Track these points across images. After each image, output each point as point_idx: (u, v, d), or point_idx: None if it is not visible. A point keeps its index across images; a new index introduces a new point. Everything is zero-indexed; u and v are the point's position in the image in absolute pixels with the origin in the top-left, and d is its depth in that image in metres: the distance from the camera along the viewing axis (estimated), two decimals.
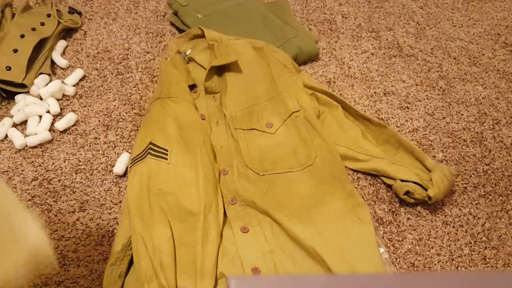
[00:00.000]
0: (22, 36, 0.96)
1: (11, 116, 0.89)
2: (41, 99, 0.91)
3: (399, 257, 0.74)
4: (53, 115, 0.89)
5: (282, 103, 0.84)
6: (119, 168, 0.81)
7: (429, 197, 0.77)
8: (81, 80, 0.97)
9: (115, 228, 0.75)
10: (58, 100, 0.93)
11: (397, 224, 0.78)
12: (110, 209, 0.77)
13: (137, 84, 0.97)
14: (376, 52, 1.10)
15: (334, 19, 1.18)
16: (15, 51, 0.93)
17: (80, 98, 0.94)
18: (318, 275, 0.28)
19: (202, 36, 0.98)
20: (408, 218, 0.79)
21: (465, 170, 0.87)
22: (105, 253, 0.72)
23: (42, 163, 0.83)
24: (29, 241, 0.49)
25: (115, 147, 0.86)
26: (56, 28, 1.02)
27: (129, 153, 0.84)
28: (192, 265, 0.64)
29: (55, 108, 0.89)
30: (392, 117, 0.95)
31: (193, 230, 0.67)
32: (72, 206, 0.77)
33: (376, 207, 0.80)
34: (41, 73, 0.95)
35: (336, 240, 0.68)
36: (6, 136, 0.86)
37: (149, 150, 0.74)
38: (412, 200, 0.79)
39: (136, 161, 0.75)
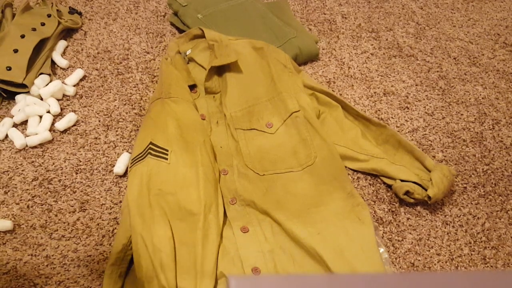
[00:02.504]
0: (23, 36, 0.96)
1: (12, 116, 0.89)
2: (41, 99, 0.91)
3: (399, 257, 0.74)
4: (53, 115, 0.89)
5: (282, 103, 0.84)
6: (119, 168, 0.81)
7: (429, 197, 0.77)
8: (81, 80, 0.98)
9: (115, 228, 0.75)
10: (58, 100, 0.93)
11: (397, 224, 0.78)
12: (111, 209, 0.77)
13: (137, 84, 0.98)
14: (376, 52, 1.10)
15: (334, 19, 1.18)
16: (16, 51, 0.93)
17: (80, 98, 0.94)
18: (318, 275, 0.28)
19: (202, 36, 0.98)
20: (408, 218, 0.79)
21: (465, 170, 0.88)
22: (106, 253, 0.72)
23: (43, 163, 0.83)
24: None
25: (115, 147, 0.86)
26: (56, 28, 1.02)
27: (129, 153, 0.85)
28: (192, 265, 0.64)
29: (55, 108, 0.89)
30: (392, 117, 0.95)
31: (193, 230, 0.67)
32: (72, 206, 0.78)
33: (376, 207, 0.80)
34: (41, 73, 0.95)
35: (336, 240, 0.68)
36: (7, 136, 0.86)
37: (149, 150, 0.75)
38: (411, 200, 0.79)
39: (136, 161, 0.75)
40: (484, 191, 0.84)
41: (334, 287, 0.27)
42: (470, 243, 0.77)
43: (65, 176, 0.81)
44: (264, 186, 0.75)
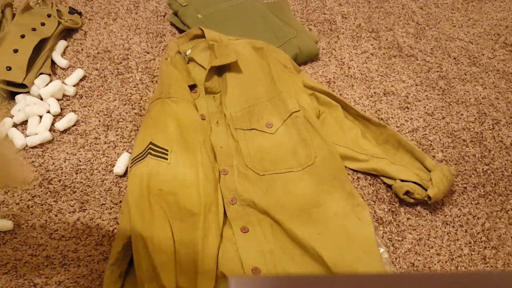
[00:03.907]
0: (22, 36, 0.96)
1: (12, 116, 0.89)
2: (41, 99, 0.91)
3: (399, 257, 0.74)
4: (53, 115, 0.89)
5: (282, 103, 0.84)
6: (119, 168, 0.81)
7: (429, 197, 0.77)
8: (81, 80, 0.98)
9: (115, 228, 0.75)
10: (58, 100, 0.93)
11: (397, 224, 0.78)
12: (111, 209, 0.77)
13: (137, 84, 0.98)
14: (376, 52, 1.10)
15: (334, 19, 1.18)
16: (15, 51, 0.93)
17: (80, 98, 0.94)
18: (318, 275, 0.28)
19: (202, 36, 0.98)
20: (408, 218, 0.79)
21: (465, 170, 0.88)
22: (106, 253, 0.72)
23: (43, 163, 0.83)
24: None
25: (115, 147, 0.86)
26: (56, 28, 1.02)
27: (129, 153, 0.85)
28: (192, 265, 0.64)
29: (55, 108, 0.89)
30: (392, 117, 0.95)
31: (193, 230, 0.67)
32: (72, 206, 0.78)
33: (376, 207, 0.80)
34: (41, 73, 0.95)
35: (336, 240, 0.68)
36: (7, 136, 0.86)
37: (149, 150, 0.75)
38: (411, 200, 0.79)
39: (136, 161, 0.75)
40: (484, 191, 0.85)
41: (334, 287, 0.27)
42: (470, 243, 0.77)
43: (65, 176, 0.81)
44: (264, 186, 0.75)
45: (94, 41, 1.07)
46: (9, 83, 0.91)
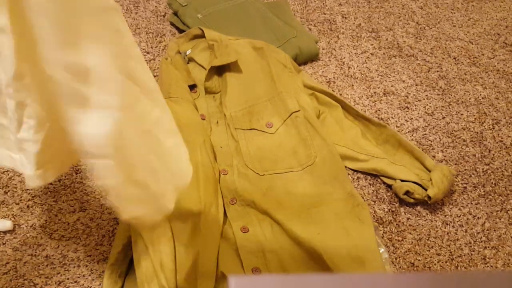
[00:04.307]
0: None
1: None
2: None
3: (399, 257, 0.74)
4: None
5: (282, 103, 0.84)
6: None
7: (429, 197, 0.77)
8: None
9: (115, 228, 0.75)
10: None
11: (397, 224, 0.78)
12: (111, 209, 0.77)
13: None
14: (376, 52, 1.10)
15: (334, 19, 1.18)
16: None
17: None
18: (318, 275, 0.28)
19: (202, 36, 0.98)
20: (408, 218, 0.79)
21: (465, 170, 0.88)
22: (106, 253, 0.72)
23: None
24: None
25: None
26: None
27: None
28: (192, 265, 0.64)
29: None
30: (392, 117, 0.95)
31: (193, 230, 0.67)
32: (72, 206, 0.78)
33: (376, 207, 0.80)
34: None
35: (336, 240, 0.68)
36: None
37: None
38: (411, 200, 0.79)
39: None
40: (484, 191, 0.85)
41: (334, 287, 0.27)
42: (470, 243, 0.77)
43: (65, 176, 0.81)
44: (264, 186, 0.75)
45: None
46: None
